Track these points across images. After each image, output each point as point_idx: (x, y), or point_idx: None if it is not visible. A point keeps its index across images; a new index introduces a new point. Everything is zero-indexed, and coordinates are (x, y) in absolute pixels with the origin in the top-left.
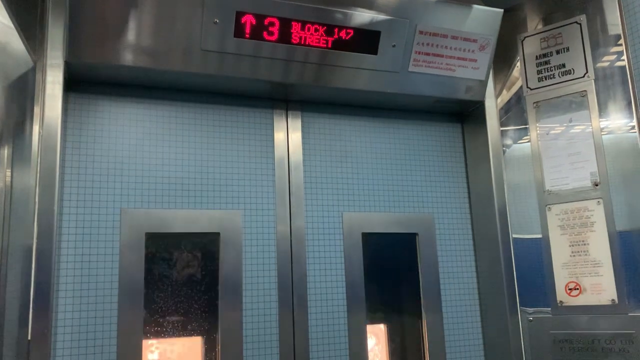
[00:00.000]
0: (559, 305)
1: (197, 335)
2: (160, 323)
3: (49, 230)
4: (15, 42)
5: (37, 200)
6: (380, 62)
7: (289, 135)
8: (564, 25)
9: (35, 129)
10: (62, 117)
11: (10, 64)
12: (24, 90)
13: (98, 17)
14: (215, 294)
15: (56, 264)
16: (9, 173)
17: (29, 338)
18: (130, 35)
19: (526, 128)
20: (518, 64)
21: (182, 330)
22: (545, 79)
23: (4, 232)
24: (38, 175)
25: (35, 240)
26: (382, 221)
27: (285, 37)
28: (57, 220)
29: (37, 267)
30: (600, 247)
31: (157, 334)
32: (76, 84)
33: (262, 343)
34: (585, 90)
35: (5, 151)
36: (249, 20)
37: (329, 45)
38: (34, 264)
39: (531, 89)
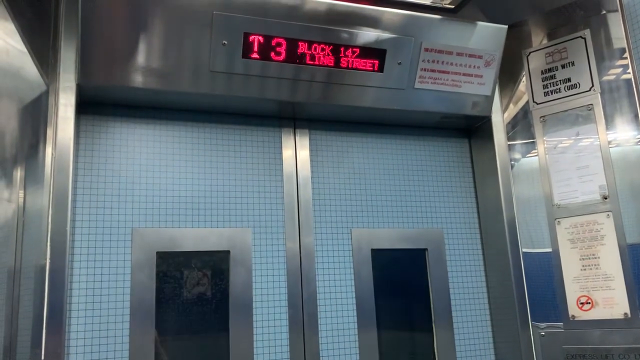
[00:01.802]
0: (571, 319)
1: (208, 353)
2: (171, 341)
3: (61, 250)
4: (29, 67)
5: (49, 220)
6: (386, 79)
7: (297, 153)
8: (568, 40)
9: (48, 150)
10: (74, 138)
11: (24, 88)
12: (38, 113)
13: (109, 40)
14: (226, 312)
15: (69, 284)
16: (22, 194)
17: (42, 358)
18: (140, 58)
19: (533, 142)
20: (524, 78)
21: (193, 348)
22: (551, 93)
23: (17, 252)
24: (51, 196)
25: (48, 260)
26: (391, 237)
27: (292, 57)
28: (70, 241)
29: (50, 286)
30: (611, 261)
31: (168, 352)
32: (88, 106)
33: None
34: (591, 104)
35: (19, 172)
36: (256, 41)
37: (335, 64)
38: (47, 284)
39: (537, 104)
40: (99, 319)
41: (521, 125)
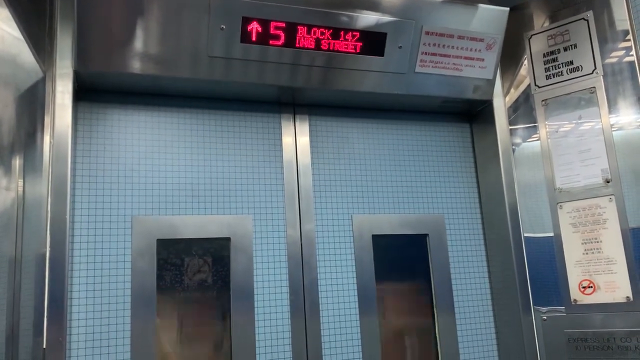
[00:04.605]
0: (573, 303)
1: (210, 340)
2: (172, 329)
3: (61, 238)
4: (25, 53)
5: (49, 209)
6: (386, 63)
7: (296, 139)
8: (571, 22)
9: (46, 138)
10: (72, 126)
11: (20, 75)
12: (35, 101)
13: (106, 26)
14: (227, 299)
15: (69, 272)
16: (21, 182)
17: (44, 346)
18: (138, 44)
19: (535, 126)
20: (525, 62)
21: (195, 335)
22: (553, 77)
23: (18, 241)
24: (50, 184)
25: (48, 249)
26: (392, 223)
27: (291, 41)
28: (70, 229)
29: (51, 275)
30: (613, 244)
31: (170, 340)
32: (85, 93)
33: (275, 347)
34: (594, 87)
35: (17, 161)
36: (255, 25)
37: (335, 48)
38: (48, 273)
39: (539, 87)
40: (100, 307)
41: (523, 109)
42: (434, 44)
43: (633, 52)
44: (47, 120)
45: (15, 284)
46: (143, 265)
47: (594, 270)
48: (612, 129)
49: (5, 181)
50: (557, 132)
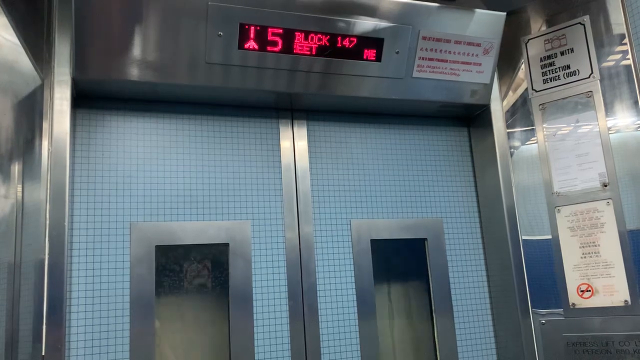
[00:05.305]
0: (571, 307)
1: (209, 346)
2: (171, 335)
3: (60, 245)
4: (23, 60)
5: (47, 215)
6: (384, 69)
7: (295, 144)
8: (567, 27)
9: (45, 144)
10: (71, 132)
11: (19, 82)
12: (33, 107)
13: (103, 33)
14: (226, 305)
15: (68, 279)
16: (19, 189)
17: (43, 353)
18: (136, 51)
19: (533, 130)
20: (523, 66)
21: (194, 341)
22: (551, 81)
23: (16, 248)
24: (48, 190)
25: (47, 255)
26: (391, 227)
27: (288, 47)
28: (68, 235)
29: (50, 281)
30: (611, 248)
31: (169, 346)
32: (83, 99)
33: (274, 352)
34: (591, 91)
35: (16, 167)
36: (252, 31)
37: (333, 54)
38: (47, 279)
39: (536, 91)
40: (99, 313)
41: (520, 113)
42: (431, 49)
43: (629, 55)
44: (46, 127)
45: (15, 290)
46: (142, 271)
47: (592, 274)
48: (610, 133)
49: (4, 188)
50: (554, 135)
